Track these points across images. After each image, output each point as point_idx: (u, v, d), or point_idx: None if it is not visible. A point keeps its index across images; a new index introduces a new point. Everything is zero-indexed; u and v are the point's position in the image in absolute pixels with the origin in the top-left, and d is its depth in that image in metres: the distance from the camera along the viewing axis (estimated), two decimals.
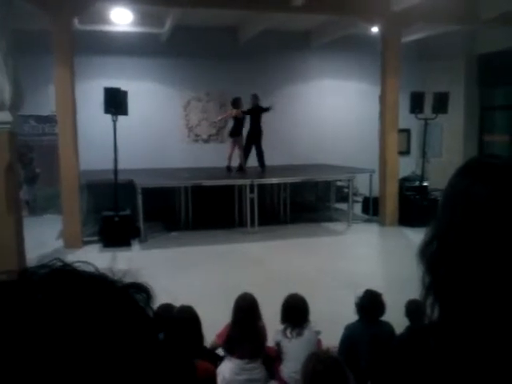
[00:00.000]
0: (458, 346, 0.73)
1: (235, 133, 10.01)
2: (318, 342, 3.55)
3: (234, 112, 9.90)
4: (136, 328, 0.40)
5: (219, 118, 10.83)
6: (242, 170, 10.14)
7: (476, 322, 0.72)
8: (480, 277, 0.72)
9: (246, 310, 3.34)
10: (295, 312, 3.45)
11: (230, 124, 10.33)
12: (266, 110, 10.06)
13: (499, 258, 0.72)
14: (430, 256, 0.79)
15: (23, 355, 0.34)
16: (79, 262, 0.43)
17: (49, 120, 10.57)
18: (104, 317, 0.38)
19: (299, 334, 3.38)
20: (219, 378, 3.14)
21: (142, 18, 10.06)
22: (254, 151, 10.46)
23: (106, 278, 0.42)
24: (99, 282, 0.41)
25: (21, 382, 0.33)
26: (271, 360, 3.48)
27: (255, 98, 10.13)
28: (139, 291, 0.43)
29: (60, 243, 8.02)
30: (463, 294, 0.74)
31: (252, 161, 10.45)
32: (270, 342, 3.54)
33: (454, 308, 0.75)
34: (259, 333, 3.35)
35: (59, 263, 0.42)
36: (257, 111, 10.09)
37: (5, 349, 0.34)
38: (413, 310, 3.28)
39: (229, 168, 10.13)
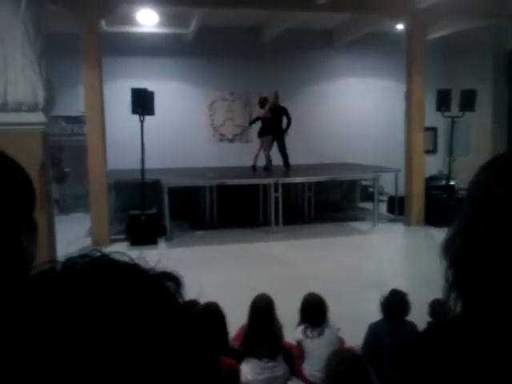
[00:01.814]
0: (481, 339, 0.74)
1: (264, 132, 10.04)
2: (341, 340, 3.55)
3: (263, 112, 9.92)
4: (168, 312, 0.43)
5: (253, 118, 10.68)
6: (267, 169, 10.16)
7: (498, 316, 0.73)
8: (502, 273, 0.73)
9: (262, 311, 3.33)
10: (313, 311, 3.46)
11: (257, 124, 10.34)
12: (287, 117, 10.05)
13: None
14: (452, 252, 0.80)
15: (69, 336, 0.38)
16: (115, 252, 0.47)
17: (78, 120, 10.79)
18: (139, 301, 0.42)
19: (320, 334, 3.38)
20: (241, 379, 3.17)
21: (168, 19, 10.19)
22: (276, 151, 10.43)
23: (140, 266, 0.46)
24: (134, 270, 0.46)
25: (68, 357, 0.37)
26: (292, 357, 3.49)
27: (275, 96, 10.11)
28: (170, 280, 0.47)
29: (88, 241, 8.20)
30: (486, 290, 0.75)
31: (277, 160, 10.46)
32: (291, 340, 3.55)
33: (477, 303, 0.76)
34: (276, 333, 3.34)
35: (98, 253, 0.47)
36: (277, 112, 10.06)
37: (52, 330, 0.38)
38: (437, 309, 3.25)
39: (254, 167, 10.17)
